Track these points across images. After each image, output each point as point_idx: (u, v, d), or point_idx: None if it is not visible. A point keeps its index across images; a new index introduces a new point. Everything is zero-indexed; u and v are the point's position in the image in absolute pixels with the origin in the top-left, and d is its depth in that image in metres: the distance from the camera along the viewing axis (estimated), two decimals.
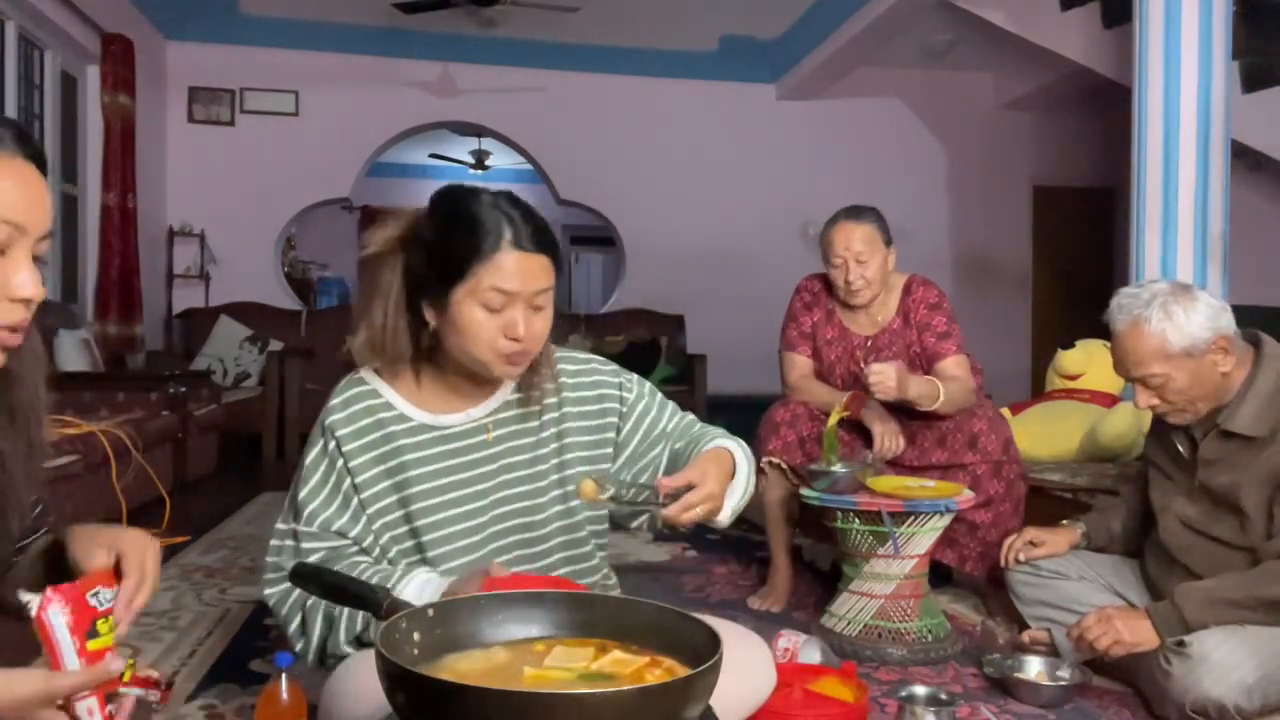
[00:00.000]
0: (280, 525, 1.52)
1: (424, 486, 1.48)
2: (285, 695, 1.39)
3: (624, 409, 1.62)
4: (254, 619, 2.56)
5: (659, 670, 1.05)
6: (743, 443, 1.57)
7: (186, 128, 6.77)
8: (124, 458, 3.57)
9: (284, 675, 1.39)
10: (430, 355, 1.50)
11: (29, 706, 0.89)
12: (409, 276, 1.45)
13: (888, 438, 2.60)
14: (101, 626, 0.97)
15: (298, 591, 1.47)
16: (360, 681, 1.36)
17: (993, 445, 2.59)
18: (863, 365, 2.78)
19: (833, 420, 2.55)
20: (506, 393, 1.54)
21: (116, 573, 1.07)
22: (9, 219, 0.89)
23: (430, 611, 1.11)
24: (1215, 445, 2.01)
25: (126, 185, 5.79)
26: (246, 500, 4.33)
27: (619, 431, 1.61)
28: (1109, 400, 3.51)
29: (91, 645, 0.95)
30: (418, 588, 1.40)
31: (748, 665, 1.50)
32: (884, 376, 2.45)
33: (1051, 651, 2.20)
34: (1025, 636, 2.29)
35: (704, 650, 1.01)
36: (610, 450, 1.61)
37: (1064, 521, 2.46)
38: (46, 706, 0.91)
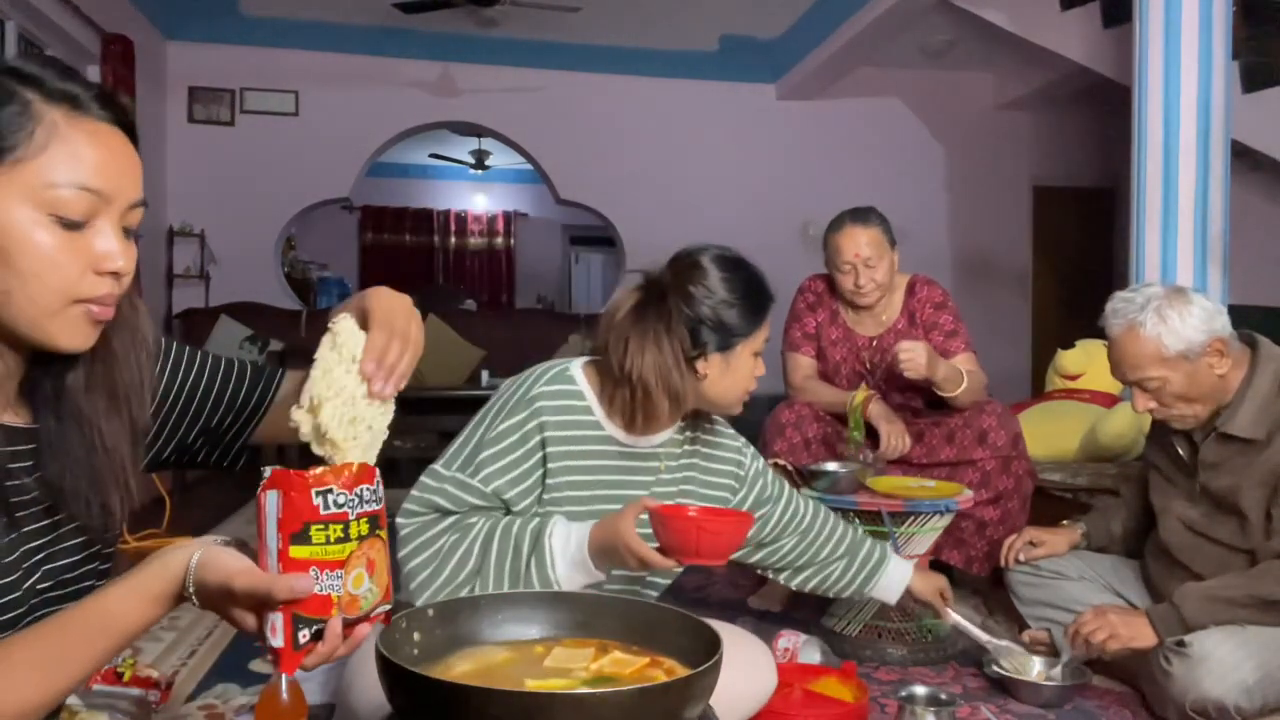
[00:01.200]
0: (442, 470, 1.58)
1: (596, 491, 1.62)
2: (285, 695, 1.38)
3: (742, 473, 1.84)
4: None
5: (659, 670, 1.05)
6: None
7: (186, 128, 6.77)
8: None
9: (284, 675, 1.39)
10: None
11: (216, 596, 0.84)
12: (693, 339, 1.60)
13: (894, 437, 2.60)
14: (316, 534, 0.81)
15: (440, 527, 1.53)
16: (369, 679, 1.36)
17: (1002, 441, 2.59)
18: (868, 366, 2.78)
19: (858, 398, 2.56)
20: (673, 430, 1.72)
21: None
22: (90, 186, 0.84)
23: (430, 611, 1.12)
24: (1214, 448, 2.01)
25: None
26: (246, 500, 4.33)
27: (734, 493, 1.82)
28: (1109, 400, 3.51)
29: (295, 552, 0.81)
30: (563, 534, 1.49)
31: (748, 667, 1.50)
32: (914, 354, 2.45)
33: (1051, 651, 2.20)
34: (1025, 636, 2.29)
35: (704, 650, 1.01)
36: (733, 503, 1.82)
37: (1064, 522, 2.46)
38: (233, 603, 0.84)
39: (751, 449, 1.87)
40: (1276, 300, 4.94)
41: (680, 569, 1.53)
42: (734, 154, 7.42)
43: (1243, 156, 4.33)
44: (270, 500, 0.82)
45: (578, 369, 1.65)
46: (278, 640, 0.81)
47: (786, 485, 1.92)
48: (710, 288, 1.60)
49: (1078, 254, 7.65)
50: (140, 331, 0.99)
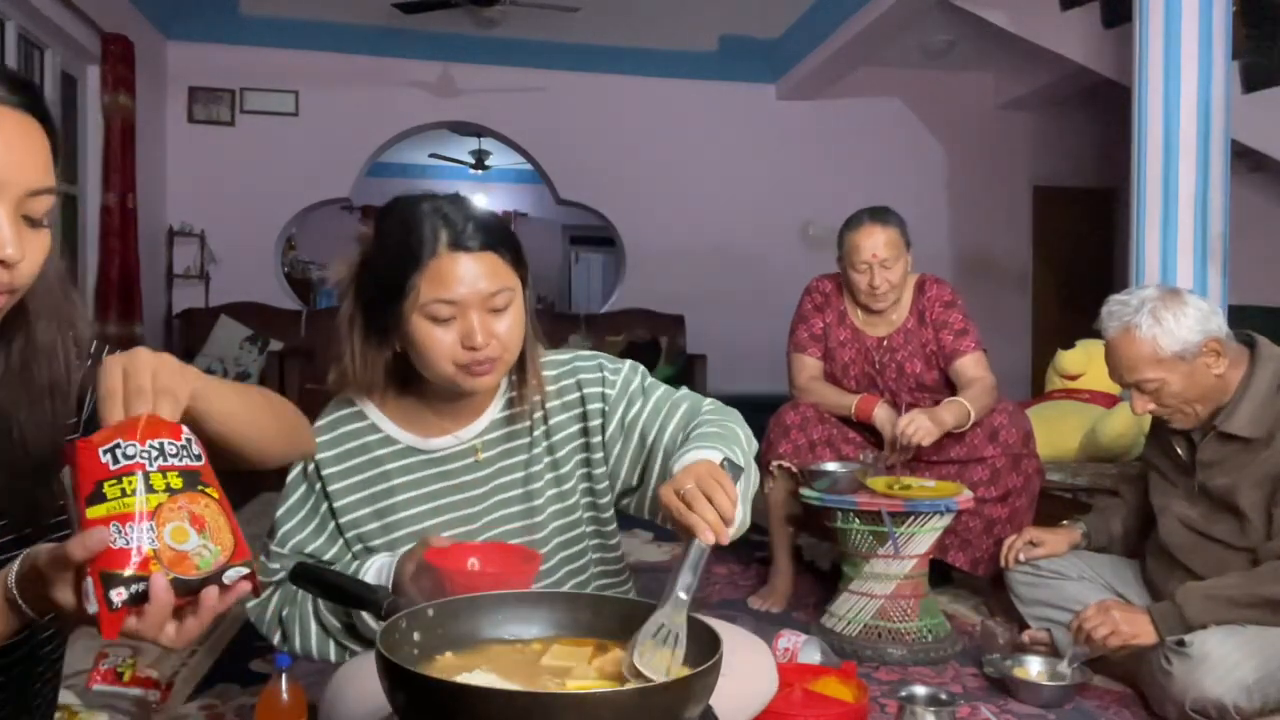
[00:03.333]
0: (265, 539, 1.48)
1: (410, 512, 1.42)
2: (285, 695, 1.39)
3: (606, 406, 1.48)
4: None
5: None
6: (731, 436, 1.36)
7: (186, 128, 6.77)
8: None
9: (284, 675, 1.40)
10: (407, 379, 1.42)
11: (34, 583, 0.79)
12: (362, 302, 1.36)
13: (906, 424, 2.59)
14: (110, 490, 0.77)
15: (273, 604, 1.45)
16: (361, 683, 1.36)
17: (1013, 438, 2.58)
18: (876, 366, 2.78)
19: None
20: (495, 411, 1.46)
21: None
22: None
23: (430, 611, 1.11)
24: (1213, 447, 2.01)
25: (126, 185, 5.78)
26: (246, 500, 4.33)
27: (604, 431, 1.48)
28: (1109, 400, 3.51)
29: (91, 513, 0.76)
30: (375, 574, 1.36)
31: (749, 669, 1.49)
32: (917, 426, 2.43)
33: (1051, 651, 2.20)
34: (1025, 636, 2.29)
35: (704, 650, 1.01)
36: (601, 454, 1.49)
37: (1064, 522, 2.46)
38: (46, 586, 0.79)
39: (626, 366, 1.51)
40: (1276, 300, 4.94)
41: None
42: (734, 154, 7.42)
43: (1243, 156, 4.32)
44: (66, 475, 0.79)
45: (343, 383, 1.43)
46: (92, 605, 0.76)
47: (625, 392, 1.49)
48: (369, 251, 1.35)
49: (1078, 254, 7.65)
50: (74, 327, 0.97)
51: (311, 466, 1.42)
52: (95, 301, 5.77)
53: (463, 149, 9.77)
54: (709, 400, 1.50)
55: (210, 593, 0.80)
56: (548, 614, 1.15)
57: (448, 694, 0.92)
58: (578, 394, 1.49)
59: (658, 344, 6.79)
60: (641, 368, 1.55)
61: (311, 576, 1.37)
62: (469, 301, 1.29)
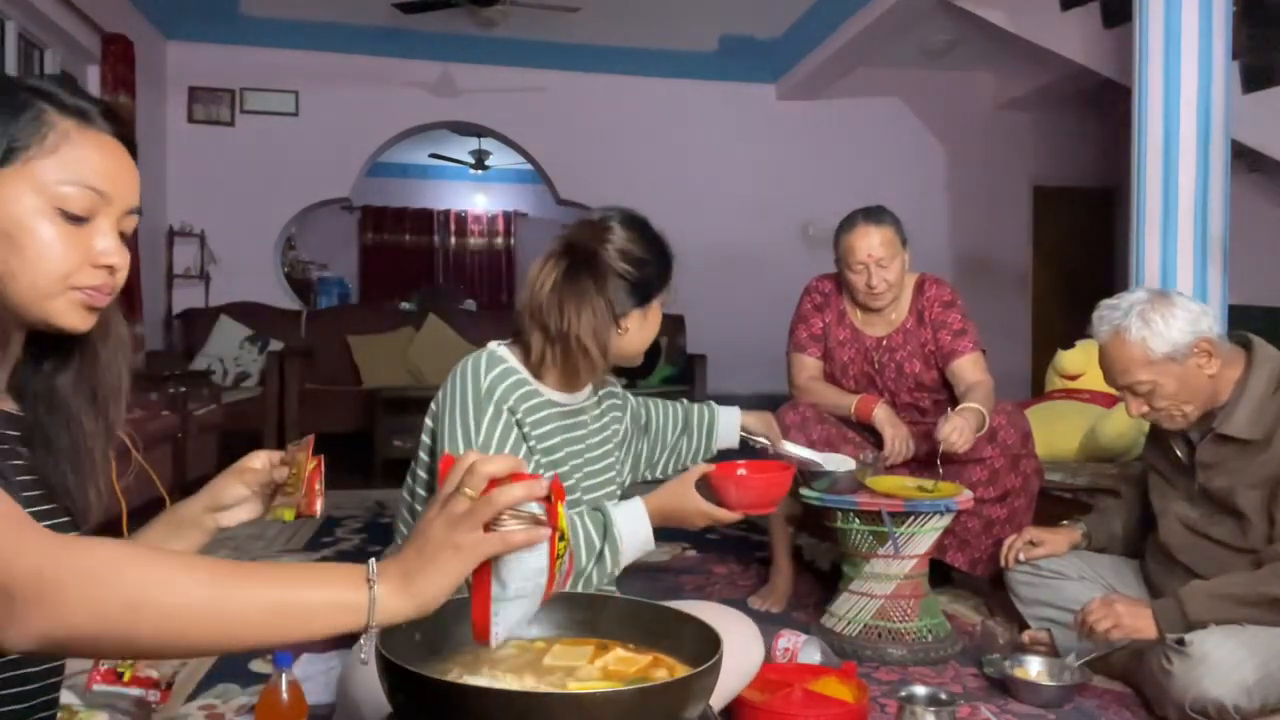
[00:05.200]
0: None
1: (557, 456, 1.70)
2: (285, 695, 1.39)
3: (623, 404, 1.97)
4: None
5: (661, 669, 1.05)
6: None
7: (186, 128, 6.77)
8: (124, 458, 3.55)
9: (284, 675, 1.40)
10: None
11: None
12: (616, 289, 1.69)
13: (898, 442, 2.59)
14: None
15: None
16: (369, 679, 1.37)
17: (1012, 439, 2.58)
18: (876, 366, 2.77)
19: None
20: (588, 391, 1.83)
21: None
22: (94, 186, 0.94)
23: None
24: (1211, 449, 2.02)
25: None
26: None
27: (624, 424, 1.94)
28: (1109, 400, 3.51)
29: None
30: (624, 513, 1.60)
31: (735, 643, 1.52)
32: (961, 433, 2.40)
33: (1051, 651, 2.20)
34: (1025, 636, 2.29)
35: (704, 650, 1.01)
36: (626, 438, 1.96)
37: (1064, 522, 2.46)
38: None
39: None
40: (1276, 300, 4.94)
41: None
42: (734, 154, 7.42)
43: (1243, 156, 4.32)
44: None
45: (502, 349, 1.74)
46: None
47: (630, 397, 2.01)
48: (624, 248, 1.70)
49: (1078, 254, 7.65)
50: (124, 342, 1.08)
51: (507, 408, 1.66)
52: None
53: (463, 149, 9.77)
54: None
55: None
56: (548, 614, 1.15)
57: (448, 694, 0.92)
58: (617, 397, 1.95)
59: (658, 344, 6.79)
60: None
61: None
62: None
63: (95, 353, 1.04)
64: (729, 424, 2.09)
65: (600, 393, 1.88)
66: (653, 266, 1.73)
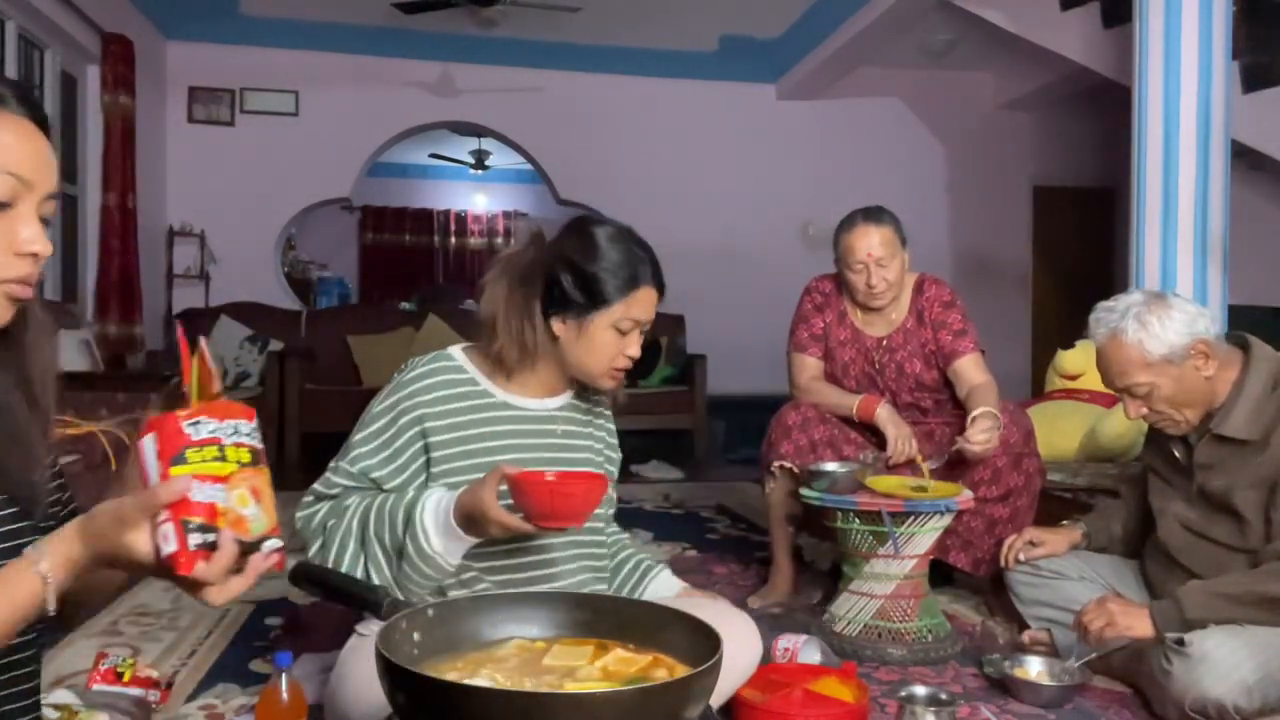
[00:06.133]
0: (332, 461, 1.65)
1: (497, 458, 1.59)
2: (285, 695, 1.39)
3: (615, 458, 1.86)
4: (254, 619, 2.56)
5: (661, 669, 1.05)
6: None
7: (186, 128, 6.77)
8: (124, 458, 3.56)
9: (284, 675, 1.40)
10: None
11: (111, 530, 0.88)
12: (549, 295, 1.61)
13: (900, 442, 2.59)
14: (192, 455, 0.88)
15: (320, 514, 1.59)
16: (362, 679, 1.37)
17: (1015, 438, 2.58)
18: (876, 366, 2.77)
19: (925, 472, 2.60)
20: (569, 396, 1.75)
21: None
22: (14, 172, 0.91)
23: (430, 611, 1.12)
24: (1209, 450, 2.02)
25: (126, 185, 5.78)
26: None
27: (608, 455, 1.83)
28: (1109, 400, 3.51)
29: (174, 471, 0.88)
30: (434, 504, 1.49)
31: (733, 639, 1.52)
32: (990, 437, 2.44)
33: (1051, 651, 2.20)
34: (1025, 636, 2.29)
35: (704, 650, 1.01)
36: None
37: (1064, 522, 2.46)
38: (125, 529, 0.87)
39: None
40: (1276, 300, 4.94)
41: (555, 533, 1.57)
42: (734, 154, 7.42)
43: (1243, 156, 4.32)
44: (148, 442, 0.90)
45: (455, 349, 1.70)
46: (171, 544, 0.85)
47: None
48: (581, 251, 1.61)
49: (1078, 254, 7.65)
50: (45, 324, 1.04)
51: (408, 404, 1.60)
52: (95, 301, 5.77)
53: (463, 149, 9.77)
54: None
55: (259, 556, 0.90)
56: (548, 614, 1.15)
57: (448, 694, 0.92)
58: (610, 435, 1.85)
59: (658, 344, 6.78)
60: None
61: (313, 577, 1.38)
62: (644, 326, 1.65)
63: (18, 340, 1.00)
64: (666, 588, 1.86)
65: (593, 399, 1.79)
66: (597, 279, 1.60)
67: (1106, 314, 2.03)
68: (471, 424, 1.62)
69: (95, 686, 1.73)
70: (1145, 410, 2.02)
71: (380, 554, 1.52)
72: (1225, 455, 1.99)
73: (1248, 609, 1.88)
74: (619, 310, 1.61)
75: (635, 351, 1.65)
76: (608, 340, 1.62)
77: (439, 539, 1.47)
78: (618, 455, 1.85)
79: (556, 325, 1.62)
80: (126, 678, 1.75)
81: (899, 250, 2.68)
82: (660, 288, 1.68)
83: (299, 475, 5.62)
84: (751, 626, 1.67)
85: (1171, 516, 2.11)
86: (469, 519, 1.45)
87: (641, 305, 1.64)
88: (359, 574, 1.53)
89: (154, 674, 1.86)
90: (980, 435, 2.43)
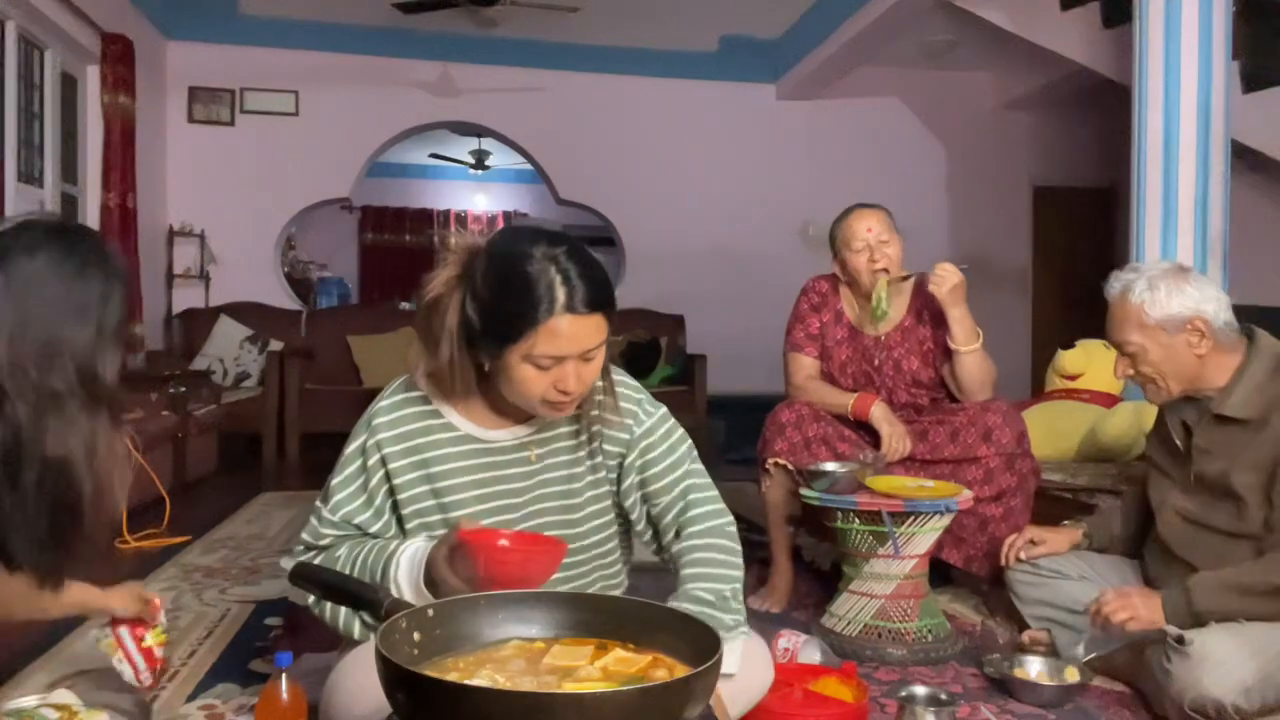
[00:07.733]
0: (317, 502, 1.59)
1: (461, 496, 1.53)
2: (285, 695, 1.39)
3: (630, 438, 1.62)
4: (254, 619, 2.56)
5: (661, 669, 1.05)
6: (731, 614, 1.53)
7: (186, 128, 6.77)
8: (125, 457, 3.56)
9: (284, 675, 1.40)
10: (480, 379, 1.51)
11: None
12: (465, 323, 1.43)
13: (895, 439, 2.60)
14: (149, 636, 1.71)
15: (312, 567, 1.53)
16: (359, 680, 1.37)
17: (1007, 439, 2.59)
18: (874, 365, 2.78)
19: (880, 288, 2.66)
20: (529, 429, 1.58)
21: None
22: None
23: (430, 611, 1.12)
24: (1209, 433, 2.04)
25: (126, 185, 5.78)
26: (246, 500, 4.33)
27: (624, 458, 1.63)
28: (1109, 400, 3.51)
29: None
30: (409, 557, 1.44)
31: (746, 662, 1.51)
32: (948, 274, 2.60)
33: (1051, 651, 2.20)
34: (1025, 636, 2.29)
35: (704, 650, 1.01)
36: (618, 472, 1.64)
37: (1065, 522, 2.46)
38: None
39: (655, 409, 1.66)
40: (1276, 300, 4.94)
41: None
42: (734, 154, 7.42)
43: (1243, 156, 4.32)
44: (124, 634, 1.70)
45: (421, 375, 1.53)
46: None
47: (686, 465, 1.66)
48: (483, 278, 1.41)
49: (1078, 254, 7.65)
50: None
51: (372, 443, 1.53)
52: None
53: (463, 149, 9.77)
54: (711, 492, 1.70)
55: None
56: (548, 614, 1.15)
57: (448, 694, 0.92)
58: (626, 419, 1.62)
59: (658, 344, 6.79)
60: (671, 419, 1.68)
61: (311, 576, 1.38)
62: (570, 356, 1.41)
63: None
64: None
65: (583, 423, 1.58)
66: (494, 314, 1.39)
67: (1128, 273, 2.10)
68: (435, 460, 1.52)
69: (120, 630, 1.73)
70: (1131, 371, 2.08)
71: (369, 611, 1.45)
72: (1224, 438, 2.01)
73: (1258, 599, 1.88)
74: (525, 346, 1.38)
75: (571, 386, 1.41)
76: (528, 376, 1.41)
77: (413, 597, 1.39)
78: (634, 428, 1.62)
79: (481, 357, 1.44)
80: (147, 642, 1.74)
81: (896, 236, 2.72)
82: (599, 309, 1.41)
83: (299, 476, 5.65)
84: (764, 650, 1.64)
85: (1170, 509, 2.11)
86: (428, 579, 1.39)
87: (555, 339, 1.38)
88: (355, 633, 1.50)
89: (163, 655, 1.84)
90: (942, 268, 2.58)
